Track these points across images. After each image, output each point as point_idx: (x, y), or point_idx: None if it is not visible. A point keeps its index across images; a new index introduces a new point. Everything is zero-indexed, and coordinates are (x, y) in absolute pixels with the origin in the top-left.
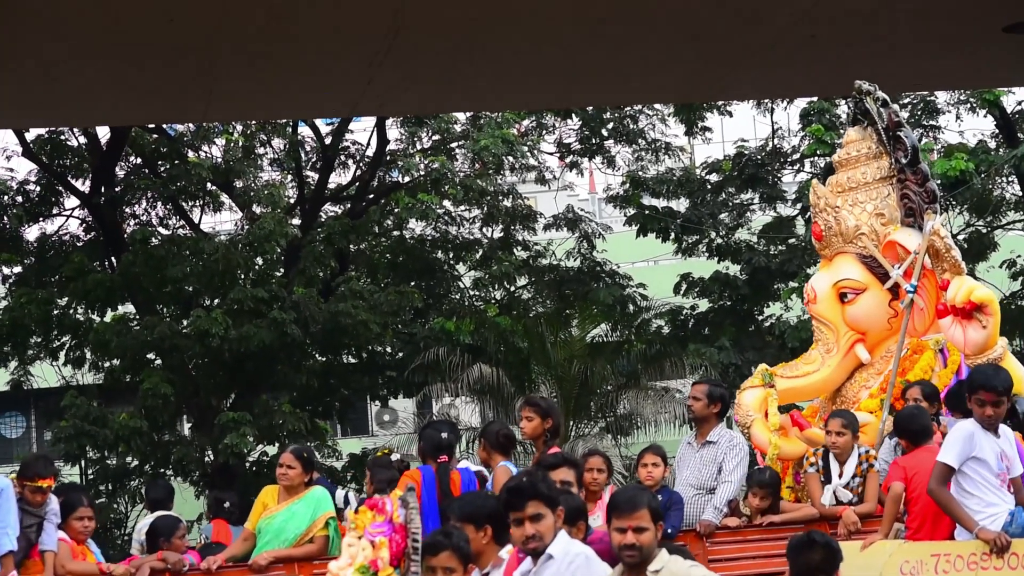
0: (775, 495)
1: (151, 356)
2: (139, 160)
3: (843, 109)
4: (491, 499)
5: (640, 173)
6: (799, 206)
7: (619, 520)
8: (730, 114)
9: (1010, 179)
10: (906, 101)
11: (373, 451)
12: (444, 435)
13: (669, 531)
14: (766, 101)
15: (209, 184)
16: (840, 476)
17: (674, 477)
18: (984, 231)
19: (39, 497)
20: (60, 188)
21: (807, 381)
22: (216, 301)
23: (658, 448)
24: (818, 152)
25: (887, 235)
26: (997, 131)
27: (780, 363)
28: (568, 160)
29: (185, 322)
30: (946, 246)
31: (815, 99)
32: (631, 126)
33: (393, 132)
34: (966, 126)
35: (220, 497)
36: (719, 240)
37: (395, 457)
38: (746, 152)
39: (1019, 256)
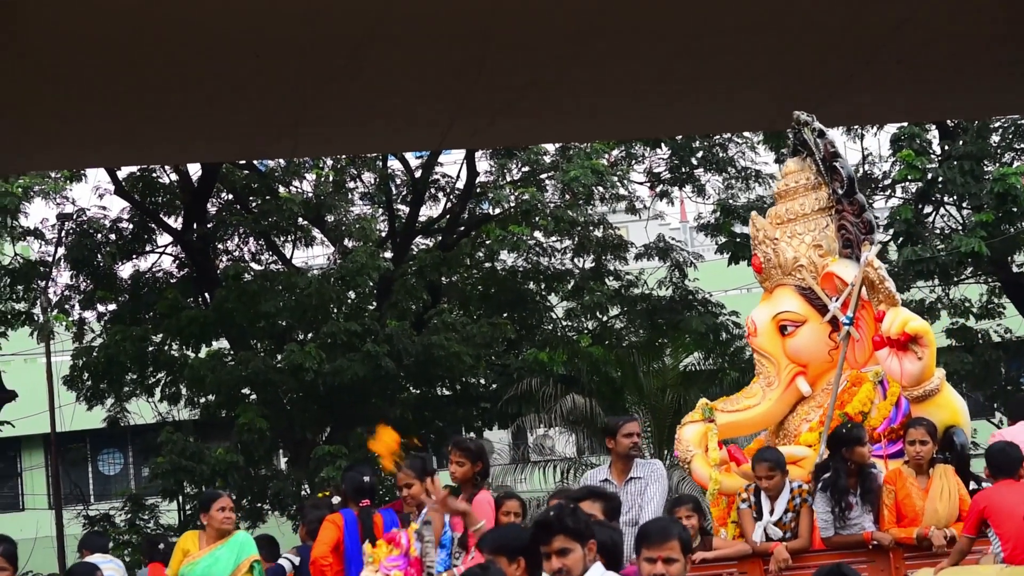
0: (700, 511)
1: (246, 391)
2: (231, 196)
3: (934, 134)
4: (524, 532)
5: (730, 201)
6: (891, 232)
7: (649, 551)
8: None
9: None
10: (996, 125)
11: None
12: (366, 479)
13: None
14: (856, 127)
15: (300, 219)
16: (771, 513)
17: None
18: None
19: None
20: (153, 225)
21: (748, 415)
22: (309, 335)
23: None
24: (909, 177)
25: (825, 267)
26: None
27: (721, 397)
28: (658, 189)
29: (279, 356)
30: (880, 277)
31: (905, 124)
32: (721, 154)
33: (483, 164)
34: None
35: (154, 540)
36: None
37: (335, 500)
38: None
39: None
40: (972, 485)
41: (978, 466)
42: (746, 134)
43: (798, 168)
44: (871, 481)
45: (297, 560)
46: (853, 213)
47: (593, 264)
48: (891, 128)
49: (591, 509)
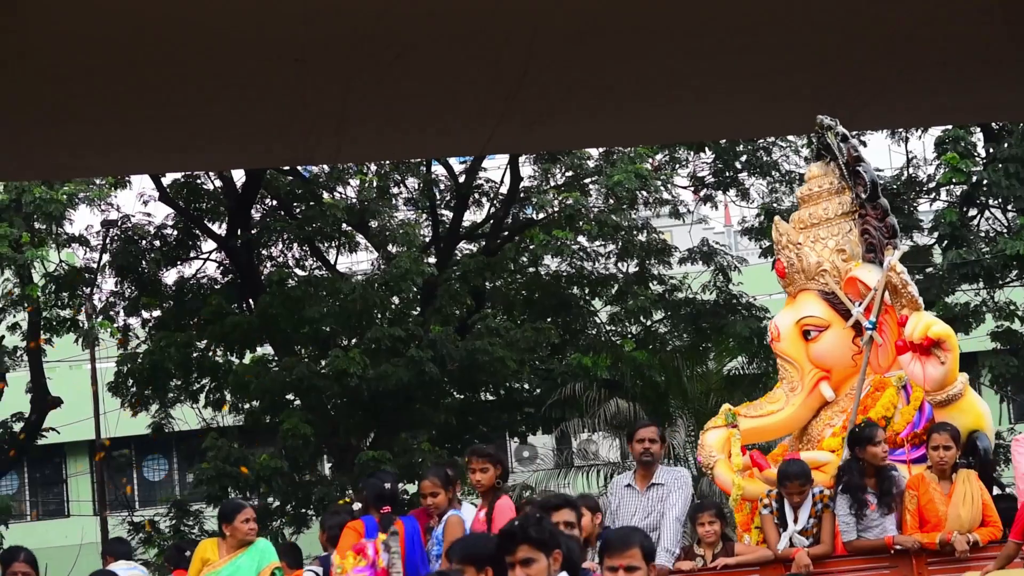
0: (723, 516)
1: (290, 397)
2: (274, 202)
3: (978, 137)
4: (492, 540)
5: (774, 205)
6: (935, 235)
7: (611, 559)
8: (864, 144)
9: None
10: None
11: (512, 488)
12: (387, 485)
13: None
14: (900, 130)
15: (344, 224)
16: (795, 521)
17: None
18: None
19: None
20: (197, 232)
21: (771, 420)
22: (353, 341)
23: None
24: (953, 180)
25: (848, 271)
26: None
27: (744, 403)
28: (702, 193)
29: (323, 362)
30: (903, 282)
31: (949, 127)
32: (764, 158)
33: (526, 169)
34: None
35: (181, 546)
36: None
37: (356, 507)
38: (881, 181)
39: None
40: (995, 490)
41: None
42: (790, 137)
43: (821, 172)
44: (889, 482)
45: (320, 570)
46: (876, 217)
47: (637, 268)
48: (935, 131)
49: (569, 516)
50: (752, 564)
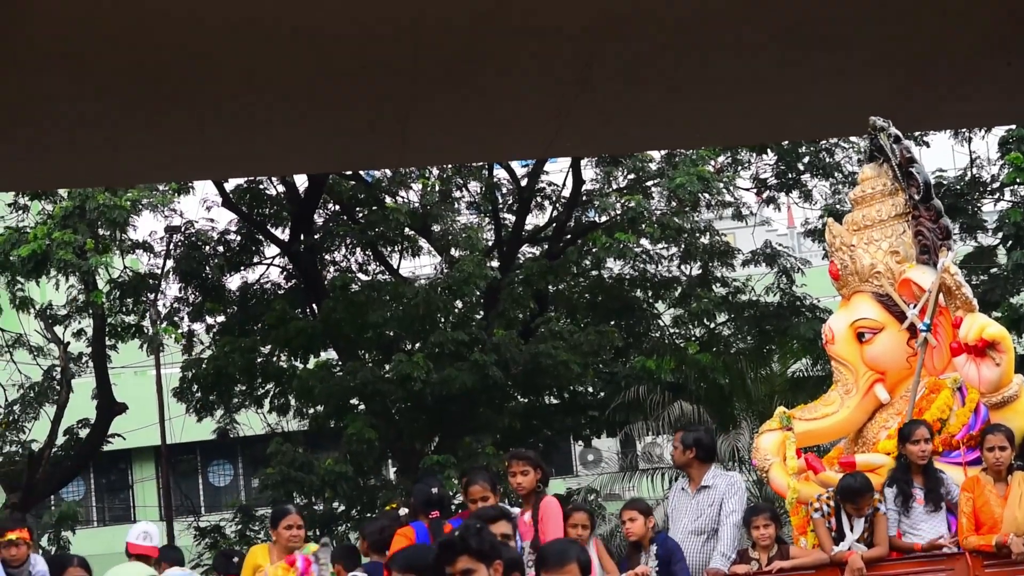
0: (777, 520)
1: (354, 401)
2: (337, 207)
3: None
4: (432, 551)
5: (838, 206)
6: (999, 235)
7: (548, 574)
8: (927, 144)
9: None
10: None
11: (577, 492)
12: (434, 490)
13: None
14: (964, 130)
15: (407, 229)
16: (851, 530)
17: (667, 525)
18: None
19: (13, 551)
20: (260, 237)
21: (826, 423)
22: (417, 345)
23: (636, 503)
24: (1018, 180)
25: (902, 273)
26: None
27: (799, 405)
28: (765, 195)
29: (387, 367)
30: (956, 283)
31: (1013, 127)
32: (827, 159)
33: (588, 172)
34: None
35: (228, 552)
36: None
37: (403, 512)
38: (945, 182)
39: None
40: None
41: None
42: (852, 139)
43: (874, 174)
44: (936, 481)
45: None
46: (930, 219)
47: (700, 271)
48: (999, 131)
49: (505, 529)
50: (807, 567)
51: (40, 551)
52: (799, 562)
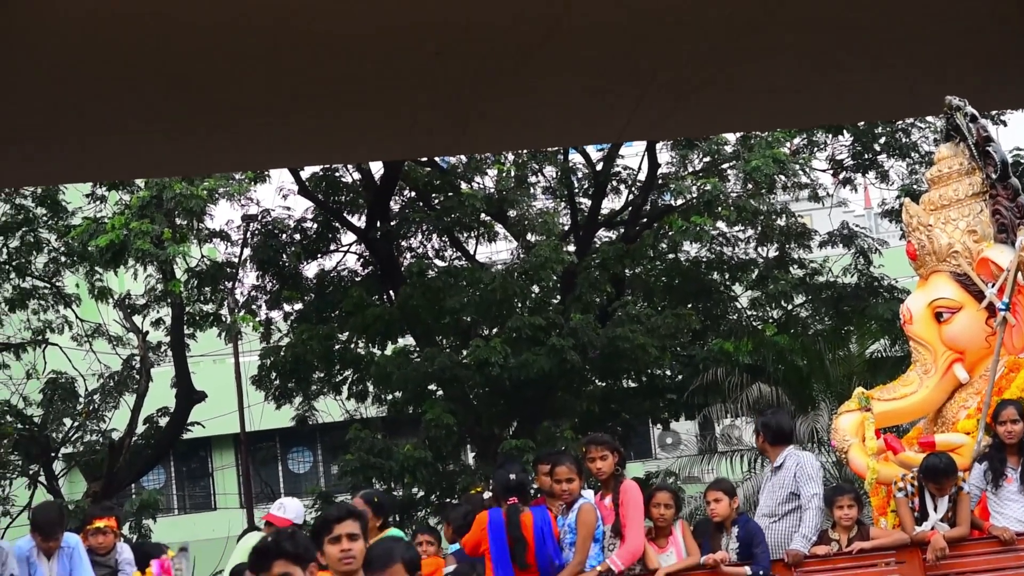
0: (859, 501)
1: (432, 387)
2: (413, 193)
3: None
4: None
5: (915, 187)
6: None
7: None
8: (1004, 123)
9: None
10: None
11: (656, 475)
12: (512, 476)
13: (761, 572)
14: None
15: (483, 214)
16: (936, 510)
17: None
18: None
19: (100, 539)
20: (336, 224)
21: (905, 403)
22: (494, 330)
23: (721, 483)
24: None
25: (980, 252)
26: None
27: (878, 386)
28: (841, 176)
29: (465, 352)
30: None
31: None
32: (904, 139)
33: (664, 155)
34: None
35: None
36: None
37: (487, 495)
38: (1022, 160)
39: None
40: None
41: None
42: (929, 119)
43: (951, 154)
44: None
45: (453, 568)
46: (1007, 198)
47: (777, 253)
48: None
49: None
50: (888, 548)
51: (122, 539)
52: (880, 542)
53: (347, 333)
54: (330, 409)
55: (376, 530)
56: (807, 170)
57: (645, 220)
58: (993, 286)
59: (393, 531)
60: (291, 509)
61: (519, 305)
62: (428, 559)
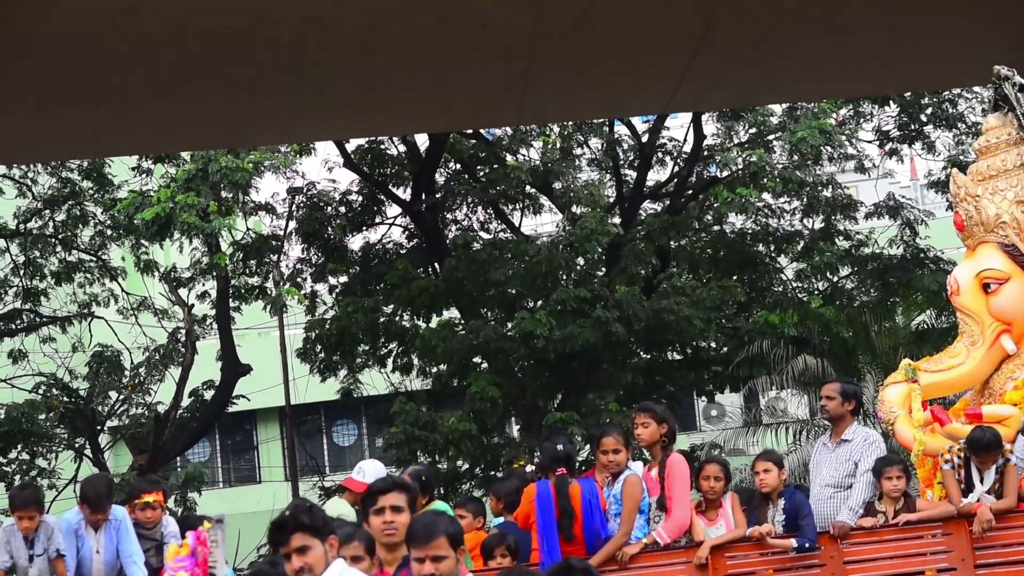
0: (907, 473)
1: (477, 360)
2: (458, 166)
3: None
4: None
5: (961, 157)
6: None
7: (417, 550)
8: None
9: None
10: None
11: (701, 447)
12: (560, 447)
13: (806, 544)
14: None
15: (528, 187)
16: (982, 482)
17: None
18: None
19: (148, 513)
20: (382, 197)
21: (952, 375)
22: (539, 302)
23: (770, 453)
24: None
25: None
26: None
27: (924, 357)
28: (887, 147)
29: (509, 324)
30: None
31: None
32: (950, 110)
33: (709, 127)
34: None
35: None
36: None
37: (529, 469)
38: None
39: None
40: None
41: None
42: (976, 89)
43: (999, 124)
44: None
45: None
46: None
47: (823, 224)
48: None
49: (398, 500)
50: (934, 520)
51: (167, 512)
52: (926, 514)
53: (392, 306)
54: (375, 382)
55: (423, 507)
56: (853, 141)
57: (691, 192)
58: None
59: (439, 503)
60: (371, 472)
61: (564, 277)
62: (470, 533)
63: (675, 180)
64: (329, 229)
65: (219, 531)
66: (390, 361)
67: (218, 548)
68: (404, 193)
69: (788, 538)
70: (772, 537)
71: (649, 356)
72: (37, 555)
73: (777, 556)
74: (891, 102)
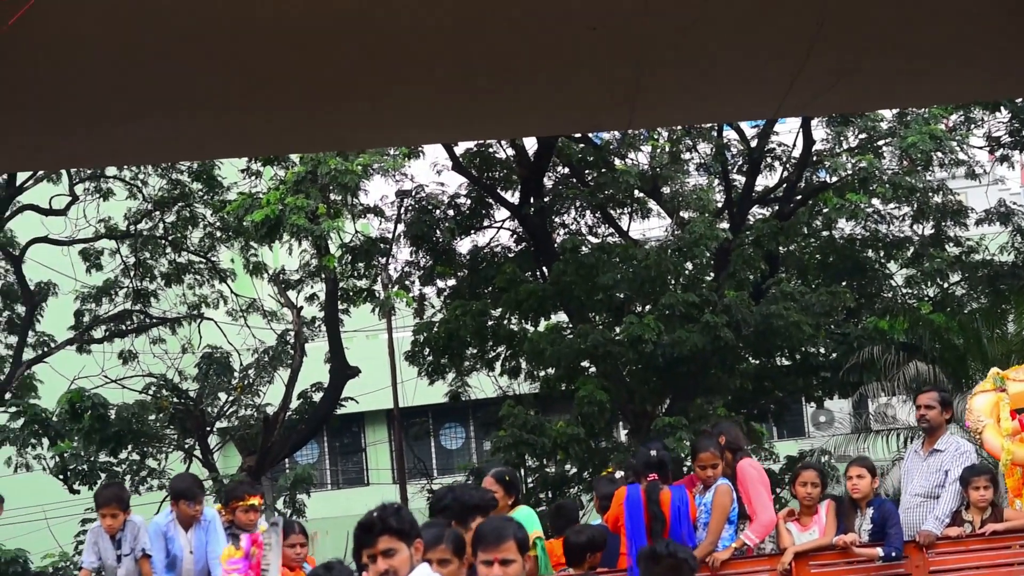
0: (996, 483)
1: (585, 364)
2: (567, 170)
3: None
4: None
5: None
6: None
7: (485, 553)
8: None
9: None
10: None
11: (810, 453)
12: (653, 453)
13: (893, 553)
14: None
15: (637, 191)
16: None
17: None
18: None
19: (252, 515)
20: (490, 200)
21: None
22: (647, 307)
23: (864, 460)
24: None
25: None
26: None
27: (1013, 366)
28: (998, 153)
29: (618, 329)
30: None
31: None
32: None
33: (819, 132)
34: None
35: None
36: None
37: (618, 475)
38: None
39: None
40: None
41: None
42: None
43: None
44: None
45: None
46: None
47: (932, 231)
48: None
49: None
50: (1021, 530)
51: (276, 514)
52: (1013, 524)
53: (500, 309)
54: (483, 385)
55: (508, 508)
56: (964, 147)
57: (800, 197)
58: None
59: (522, 508)
60: None
61: (672, 282)
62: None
63: (784, 185)
64: (437, 232)
65: (273, 534)
66: (498, 364)
67: (272, 551)
68: (512, 196)
69: (874, 547)
70: (858, 546)
71: (758, 361)
72: (125, 555)
73: (863, 565)
74: (1002, 107)
